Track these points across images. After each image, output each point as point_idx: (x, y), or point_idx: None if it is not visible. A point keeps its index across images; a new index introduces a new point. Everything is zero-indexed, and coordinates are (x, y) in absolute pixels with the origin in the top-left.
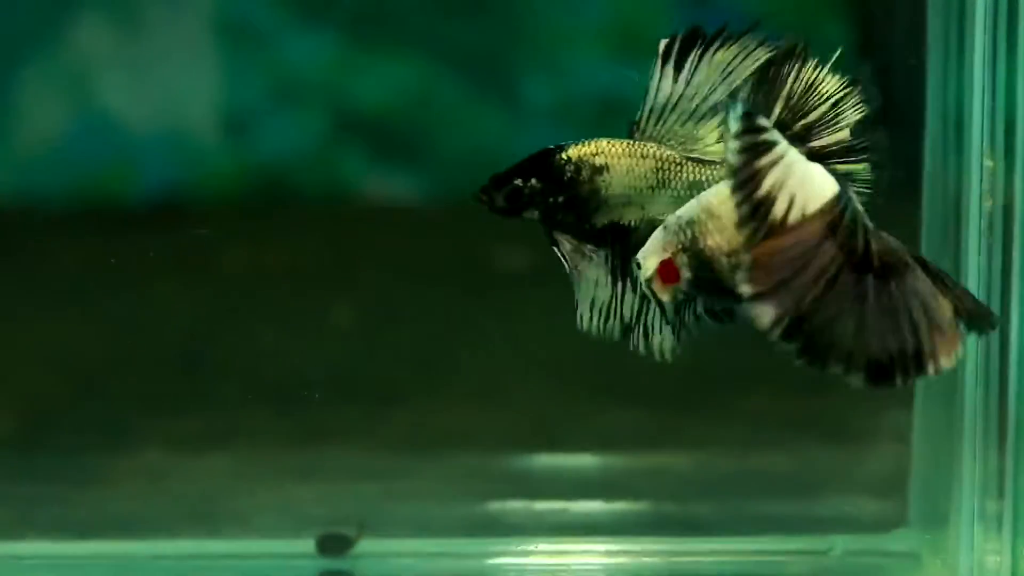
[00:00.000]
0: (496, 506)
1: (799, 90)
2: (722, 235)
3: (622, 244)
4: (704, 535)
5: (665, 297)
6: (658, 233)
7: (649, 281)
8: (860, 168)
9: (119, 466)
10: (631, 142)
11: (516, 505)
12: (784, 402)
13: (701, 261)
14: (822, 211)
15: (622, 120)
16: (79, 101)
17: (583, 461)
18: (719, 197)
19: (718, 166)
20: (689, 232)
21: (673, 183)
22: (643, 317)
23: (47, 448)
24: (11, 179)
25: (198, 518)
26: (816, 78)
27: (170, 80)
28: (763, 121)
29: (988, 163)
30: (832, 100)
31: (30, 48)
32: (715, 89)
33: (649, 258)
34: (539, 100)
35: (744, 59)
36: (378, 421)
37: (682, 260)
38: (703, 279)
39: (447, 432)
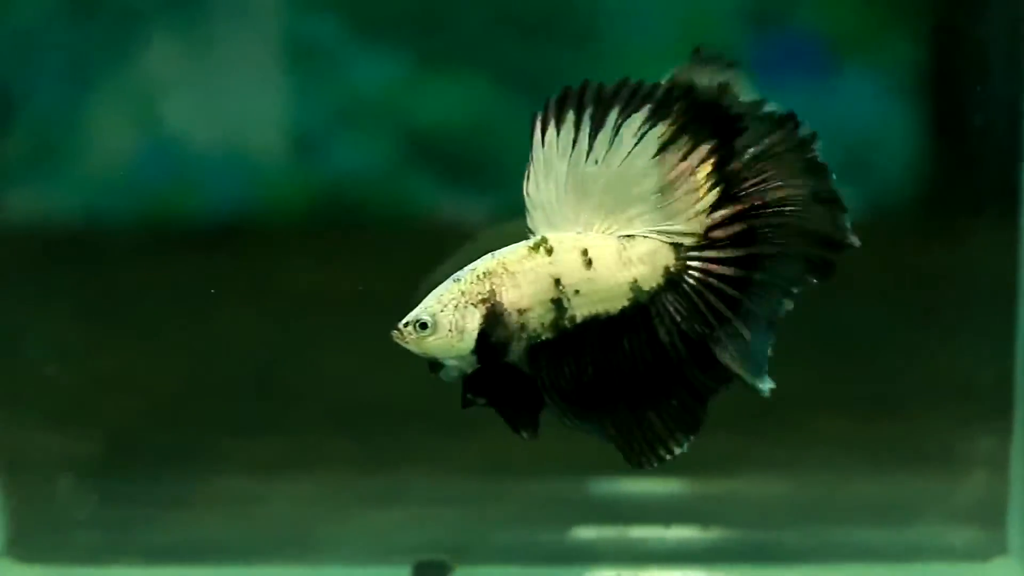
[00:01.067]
0: (582, 532)
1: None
2: (518, 291)
3: None
4: (792, 562)
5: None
6: (447, 285)
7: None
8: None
9: (203, 491)
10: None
11: (601, 532)
12: (870, 426)
13: (495, 316)
14: None
15: None
16: (147, 122)
17: (665, 487)
18: (517, 255)
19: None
20: (487, 284)
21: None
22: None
23: (131, 473)
24: (80, 202)
25: (286, 543)
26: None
27: (237, 101)
28: None
29: None
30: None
31: (98, 70)
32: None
33: (446, 309)
34: None
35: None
36: (458, 446)
37: (474, 312)
38: (491, 336)
39: (528, 457)
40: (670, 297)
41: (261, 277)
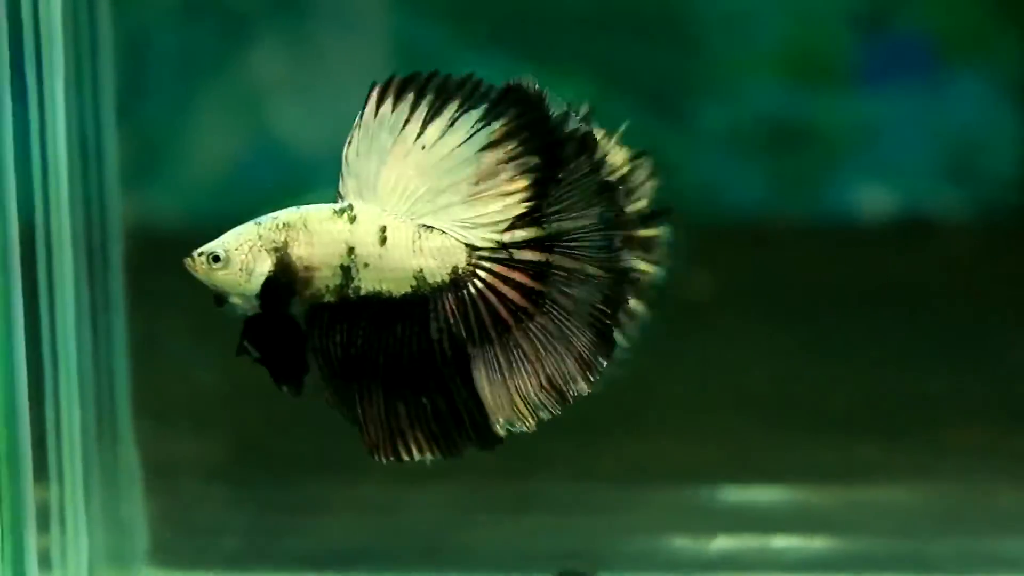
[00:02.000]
0: (720, 541)
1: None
2: (310, 249)
3: None
4: (931, 573)
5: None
6: (248, 226)
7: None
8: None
9: (342, 498)
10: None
11: (739, 540)
12: (1008, 435)
13: (283, 266)
14: None
15: (796, 145)
16: (253, 126)
17: (802, 495)
18: (320, 215)
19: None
20: (284, 234)
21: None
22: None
23: (271, 479)
24: (187, 206)
25: (423, 551)
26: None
27: (343, 105)
28: None
29: None
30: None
31: (205, 74)
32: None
33: (240, 248)
34: (712, 125)
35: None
36: (594, 453)
37: (265, 258)
38: (277, 284)
39: (664, 464)
40: (450, 297)
41: None
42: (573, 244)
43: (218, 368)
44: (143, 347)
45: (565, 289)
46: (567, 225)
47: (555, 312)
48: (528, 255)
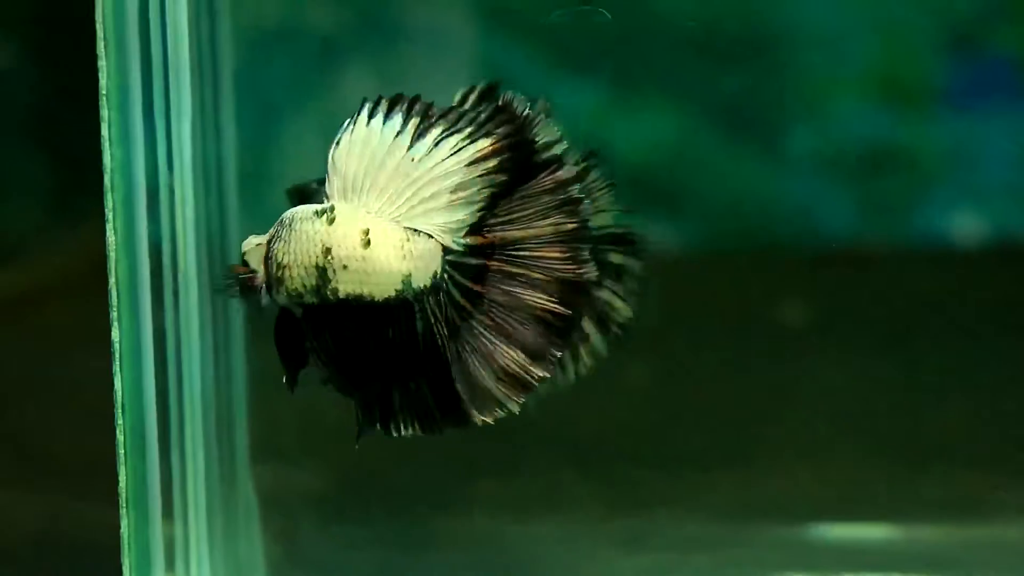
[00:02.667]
0: None
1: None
2: (285, 246)
3: None
4: None
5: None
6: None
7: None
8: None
9: (449, 532)
10: None
11: None
12: None
13: (265, 261)
14: None
15: (887, 169)
16: None
17: (919, 533)
18: (302, 214)
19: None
20: (274, 229)
21: None
22: None
23: (379, 514)
24: None
25: None
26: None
27: None
28: None
29: None
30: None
31: (293, 100)
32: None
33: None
34: (801, 149)
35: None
36: (704, 489)
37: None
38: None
39: (774, 500)
40: (431, 300)
41: None
42: (518, 252)
43: (332, 405)
44: (261, 386)
45: (506, 289)
46: (513, 235)
47: (496, 311)
48: (470, 260)
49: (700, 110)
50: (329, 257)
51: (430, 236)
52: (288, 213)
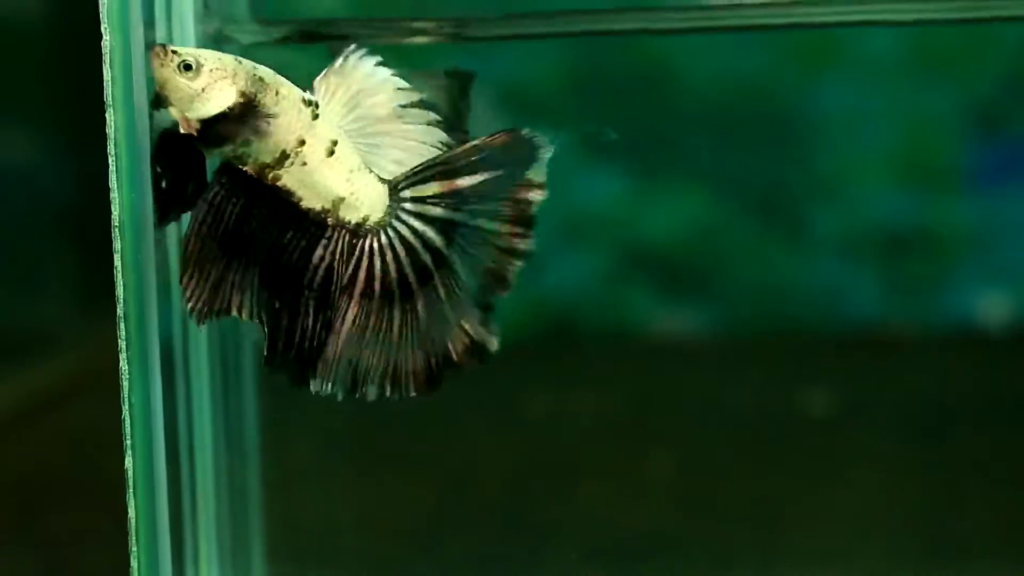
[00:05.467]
0: None
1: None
2: (267, 115)
3: None
4: None
5: None
6: (229, 58)
7: None
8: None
9: None
10: None
11: None
12: None
13: (243, 112)
14: None
15: (913, 252)
16: None
17: None
18: (292, 95)
19: None
20: (255, 87)
21: None
22: None
23: None
24: None
25: None
26: None
27: None
28: None
29: None
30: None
31: None
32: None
33: (215, 71)
34: (828, 232)
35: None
36: None
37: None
38: (228, 122)
39: None
40: (346, 237)
41: (491, 399)
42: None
43: (349, 493)
44: (275, 475)
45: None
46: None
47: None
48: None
49: (726, 195)
50: (297, 148)
51: (383, 181)
52: (269, 75)
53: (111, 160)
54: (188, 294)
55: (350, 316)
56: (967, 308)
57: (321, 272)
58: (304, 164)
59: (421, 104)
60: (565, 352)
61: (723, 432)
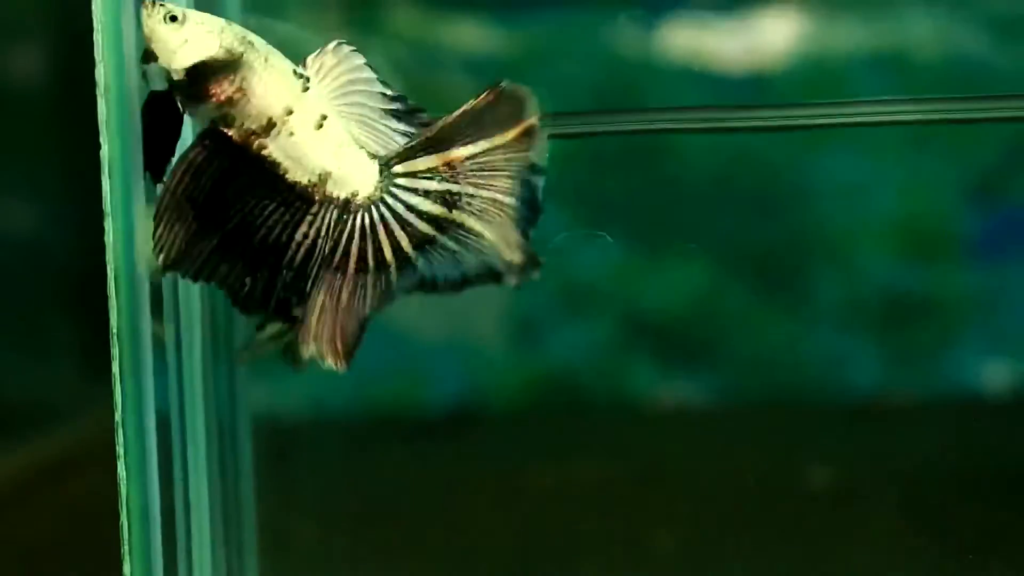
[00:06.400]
0: None
1: None
2: (255, 79)
3: None
4: None
5: None
6: (217, 18)
7: None
8: None
9: None
10: None
11: None
12: None
13: (222, 67)
14: None
15: (913, 320)
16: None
17: None
18: (282, 64)
19: None
20: (243, 48)
21: None
22: None
23: None
24: (303, 391)
25: None
26: None
27: (454, 302)
28: None
29: None
30: None
31: None
32: None
33: (202, 25)
34: (828, 301)
35: None
36: None
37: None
38: (205, 73)
39: None
40: (334, 213)
41: (489, 468)
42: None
43: (348, 565)
44: (271, 544)
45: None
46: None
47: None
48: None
49: (725, 264)
50: (284, 119)
51: (374, 157)
52: (260, 41)
53: (106, 222)
54: (158, 248)
55: (346, 291)
56: (969, 376)
57: (305, 247)
58: (292, 135)
59: (406, 110)
60: (566, 421)
61: (725, 502)
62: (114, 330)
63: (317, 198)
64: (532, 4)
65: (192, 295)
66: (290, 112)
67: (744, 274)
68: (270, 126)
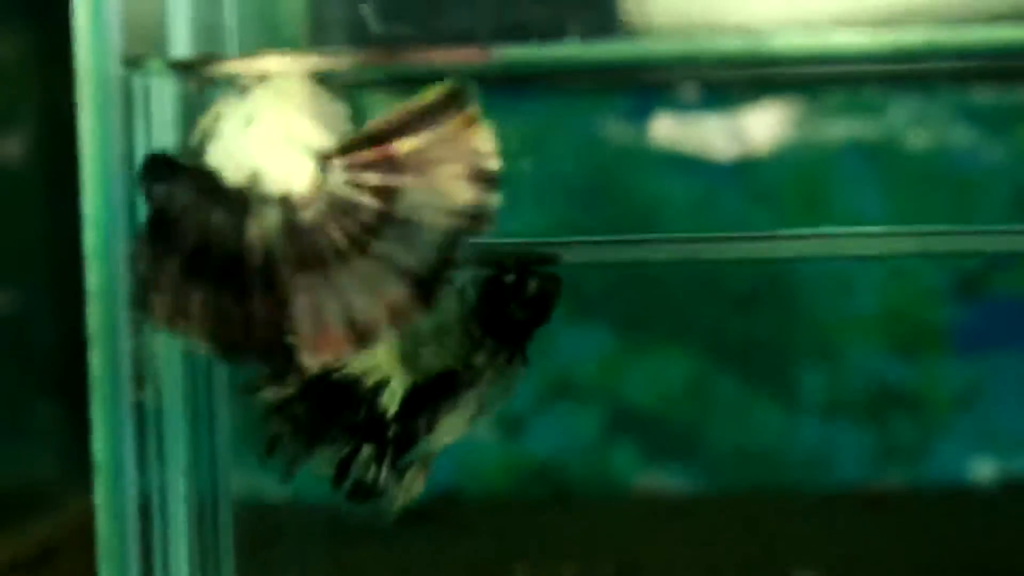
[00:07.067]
0: None
1: None
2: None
3: None
4: None
5: None
6: None
7: None
8: None
9: None
10: None
11: None
12: None
13: None
14: None
15: (899, 410)
16: None
17: None
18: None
19: None
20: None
21: None
22: None
23: None
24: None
25: None
26: None
27: None
28: None
29: None
30: None
31: None
32: None
33: None
34: (813, 393)
35: None
36: None
37: None
38: None
39: None
40: (281, 211)
41: (475, 557)
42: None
43: None
44: None
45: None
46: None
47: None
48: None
49: (712, 354)
50: (217, 122)
51: (312, 154)
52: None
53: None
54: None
55: (320, 288)
56: (953, 467)
57: (259, 253)
58: (222, 137)
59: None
60: (551, 512)
61: None
62: (94, 416)
63: (254, 198)
64: (519, 95)
65: (174, 376)
66: (217, 117)
67: (729, 364)
68: (205, 135)
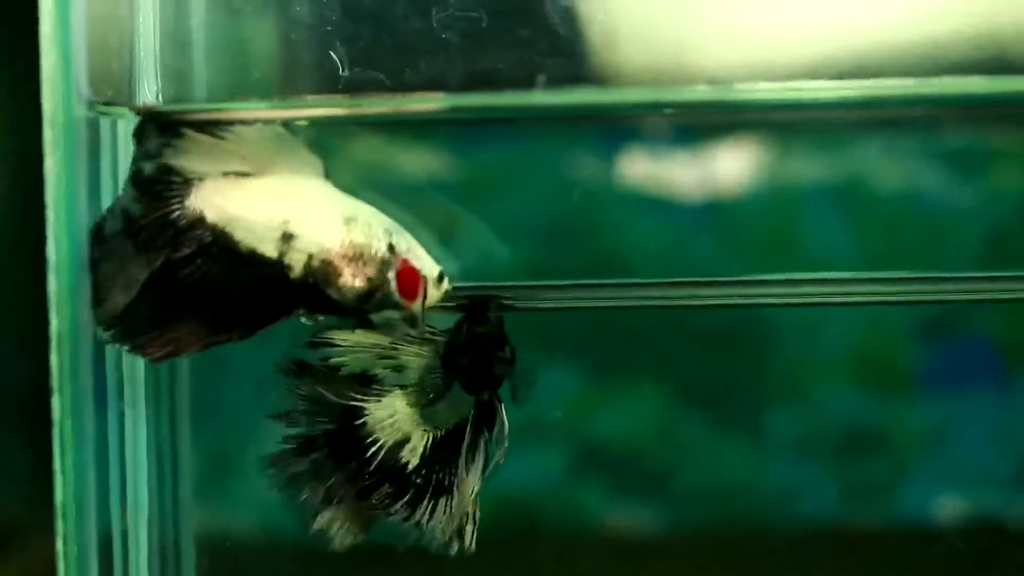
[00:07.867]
0: None
1: None
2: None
3: None
4: None
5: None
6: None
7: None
8: None
9: None
10: None
11: None
12: None
13: None
14: None
15: (869, 455)
16: None
17: None
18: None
19: None
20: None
21: None
22: None
23: None
24: (251, 511)
25: None
26: None
27: None
28: None
29: None
30: None
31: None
32: None
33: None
34: (782, 432)
35: None
36: None
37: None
38: None
39: None
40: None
41: None
42: None
43: None
44: None
45: None
46: None
47: None
48: None
49: (681, 394)
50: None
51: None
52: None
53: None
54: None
55: None
56: (922, 507)
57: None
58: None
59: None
60: (519, 550)
61: None
62: (56, 458)
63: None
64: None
65: (138, 414)
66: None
67: (698, 404)
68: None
